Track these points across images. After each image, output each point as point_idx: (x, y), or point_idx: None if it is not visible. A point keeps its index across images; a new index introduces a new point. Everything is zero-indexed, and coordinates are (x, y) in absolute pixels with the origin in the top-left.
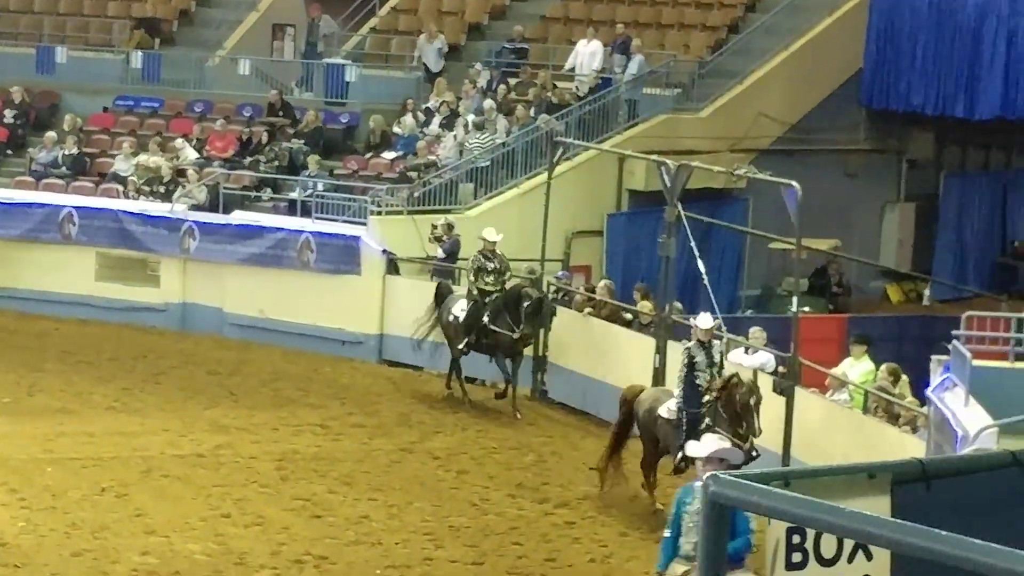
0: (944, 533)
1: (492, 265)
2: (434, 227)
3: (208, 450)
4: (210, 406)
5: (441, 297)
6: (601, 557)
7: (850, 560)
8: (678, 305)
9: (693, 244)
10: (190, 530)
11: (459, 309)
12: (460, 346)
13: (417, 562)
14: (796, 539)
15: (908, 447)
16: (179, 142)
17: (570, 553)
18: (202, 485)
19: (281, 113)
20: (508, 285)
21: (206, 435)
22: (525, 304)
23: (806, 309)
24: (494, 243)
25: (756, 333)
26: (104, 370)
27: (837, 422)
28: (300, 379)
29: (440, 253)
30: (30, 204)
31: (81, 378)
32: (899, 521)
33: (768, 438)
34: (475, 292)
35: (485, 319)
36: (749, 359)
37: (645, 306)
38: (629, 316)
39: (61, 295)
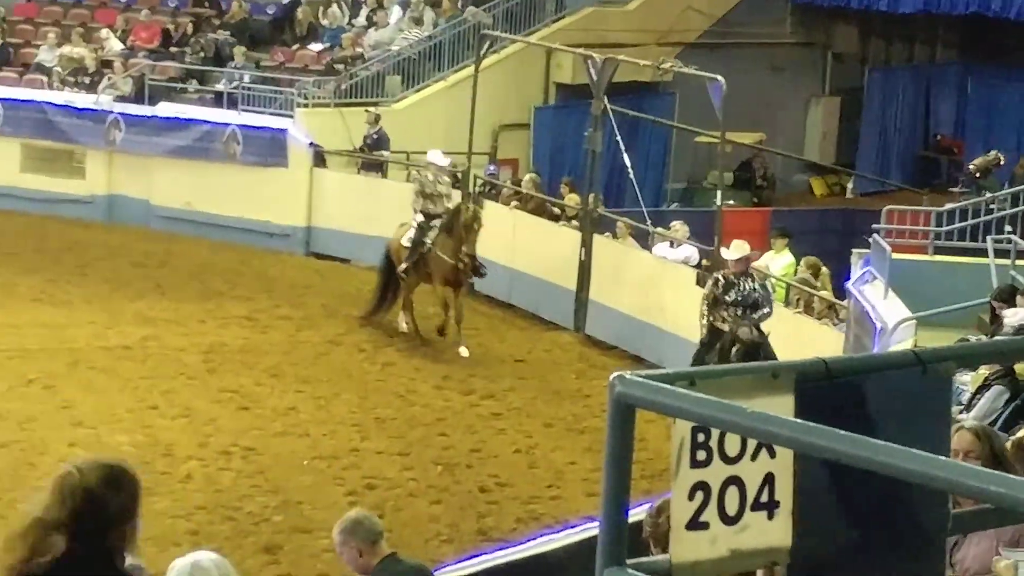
0: (844, 433)
1: (440, 189)
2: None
3: (135, 342)
4: (137, 298)
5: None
6: (526, 448)
7: (753, 458)
8: (600, 197)
9: (619, 138)
10: (117, 422)
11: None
12: (399, 269)
13: (344, 453)
14: (700, 438)
15: (828, 340)
16: (104, 32)
17: (495, 444)
18: (129, 377)
19: (207, 3)
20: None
21: (133, 327)
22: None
23: (730, 202)
24: (443, 167)
25: (678, 227)
26: (29, 262)
27: None
28: (227, 271)
29: None
30: None
31: (6, 270)
32: (800, 421)
33: (692, 331)
34: (419, 215)
35: (427, 242)
36: (673, 252)
37: (572, 199)
38: (556, 210)
39: None
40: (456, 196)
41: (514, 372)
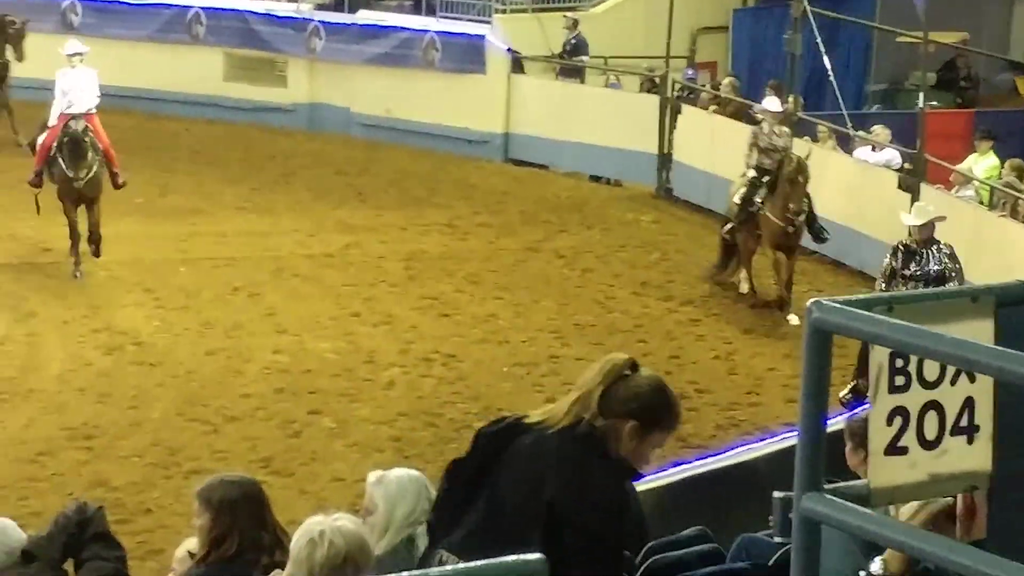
0: None
1: (776, 142)
2: None
3: (337, 250)
4: (339, 206)
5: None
6: (725, 354)
7: (953, 382)
8: (800, 100)
9: (819, 39)
10: (321, 329)
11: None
12: (723, 230)
13: (543, 360)
14: (899, 363)
15: None
16: None
17: (694, 350)
18: (332, 284)
19: None
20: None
21: (335, 235)
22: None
23: (933, 104)
24: (779, 114)
25: (879, 131)
26: (234, 171)
27: (961, 219)
28: (426, 178)
29: None
30: (157, 5)
31: (211, 179)
32: (1000, 348)
33: (896, 235)
34: (751, 170)
35: (757, 201)
36: (875, 156)
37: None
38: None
39: (189, 96)
40: (800, 147)
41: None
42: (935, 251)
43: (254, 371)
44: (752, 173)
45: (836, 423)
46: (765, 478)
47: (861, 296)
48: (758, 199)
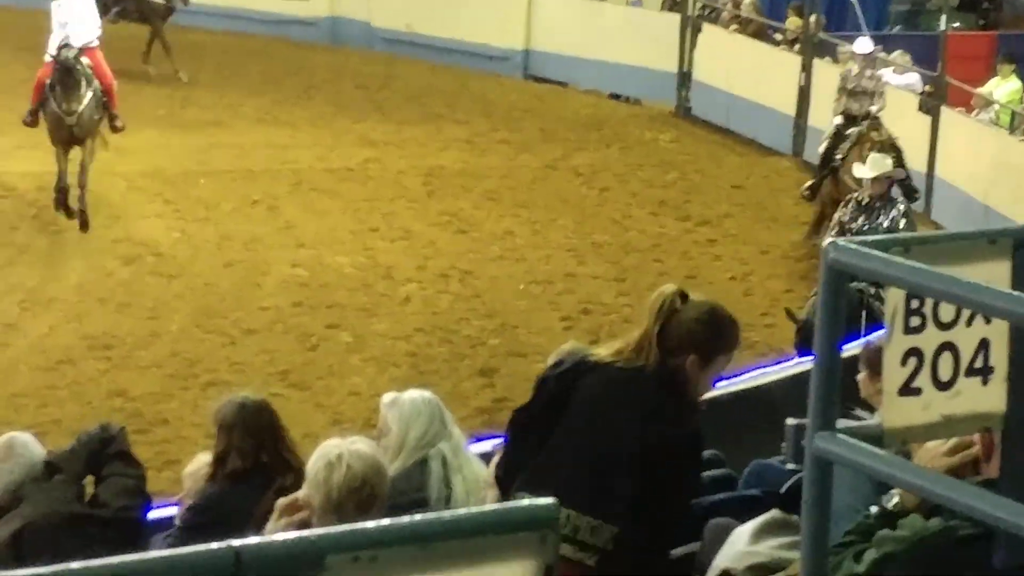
0: None
1: (867, 84)
2: None
3: (357, 164)
4: (359, 120)
5: None
6: (742, 275)
7: (968, 324)
8: (822, 19)
9: None
10: (339, 243)
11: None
12: (801, 189)
13: (560, 277)
14: (914, 304)
15: None
16: None
17: (711, 270)
18: (351, 199)
19: None
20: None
21: (355, 149)
22: None
23: (956, 25)
24: (870, 57)
25: (898, 56)
26: (255, 83)
27: (982, 142)
28: (447, 94)
29: None
30: None
31: (233, 91)
32: (1016, 293)
33: (913, 158)
34: (838, 117)
35: (838, 157)
36: (896, 78)
37: (793, 23)
38: (776, 34)
39: (211, 8)
40: (896, 97)
41: (731, 198)
42: (889, 208)
43: (272, 284)
44: (838, 120)
45: (851, 349)
46: (779, 403)
47: (878, 237)
48: (839, 155)
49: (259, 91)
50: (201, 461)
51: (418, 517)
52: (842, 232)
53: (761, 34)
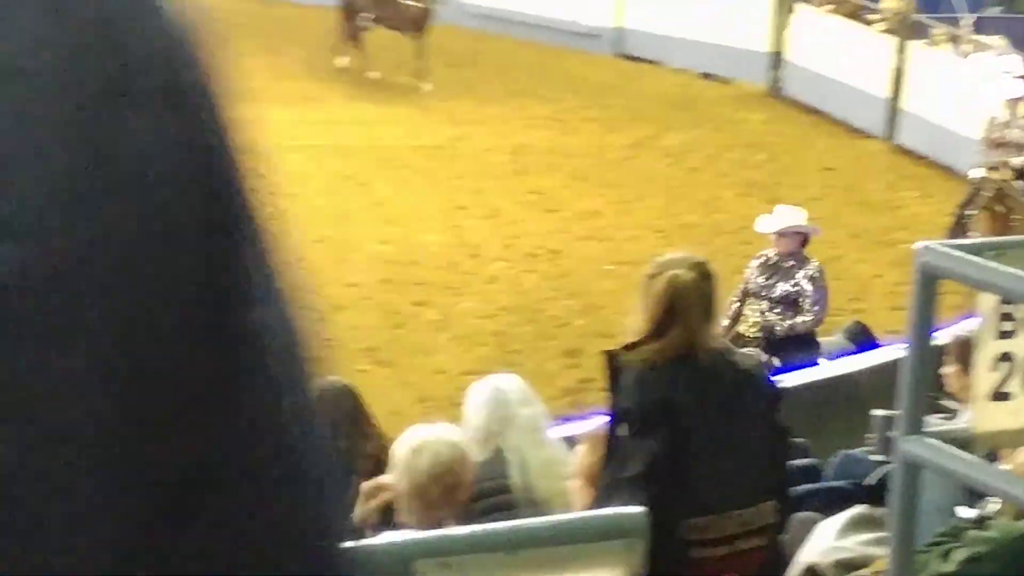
0: None
1: None
2: None
3: (445, 141)
4: (447, 98)
5: None
6: (830, 258)
7: None
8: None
9: None
10: (427, 220)
11: None
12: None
13: (647, 258)
14: (1007, 309)
15: None
16: None
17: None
18: (439, 177)
19: None
20: None
21: (443, 126)
22: None
23: None
24: None
25: (996, 40)
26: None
27: None
28: (534, 71)
29: None
30: None
31: (324, 68)
32: None
33: None
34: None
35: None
36: (994, 63)
37: (888, 4)
38: (870, 15)
39: None
40: None
41: (822, 180)
42: (794, 270)
43: (361, 260)
44: (980, 173)
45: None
46: (867, 392)
47: (971, 241)
48: (969, 211)
49: (350, 68)
50: None
51: (506, 524)
52: (744, 294)
53: (855, 14)
